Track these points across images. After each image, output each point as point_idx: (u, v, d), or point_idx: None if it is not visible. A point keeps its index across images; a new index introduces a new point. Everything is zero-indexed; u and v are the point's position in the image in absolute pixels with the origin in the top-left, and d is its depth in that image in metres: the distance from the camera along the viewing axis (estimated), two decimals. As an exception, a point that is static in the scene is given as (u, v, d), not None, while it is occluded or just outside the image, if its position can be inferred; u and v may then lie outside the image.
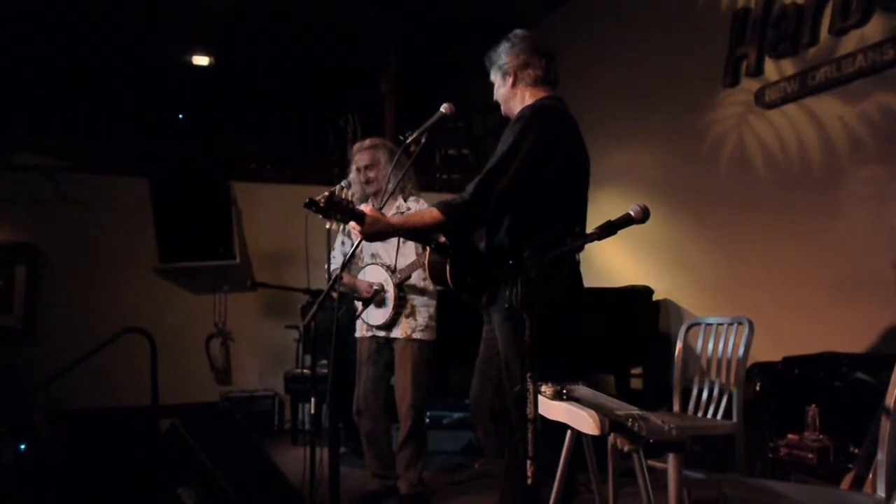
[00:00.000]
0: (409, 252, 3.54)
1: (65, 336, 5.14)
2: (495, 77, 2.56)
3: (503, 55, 2.52)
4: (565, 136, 2.40)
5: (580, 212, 2.45)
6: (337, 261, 3.69)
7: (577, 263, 2.51)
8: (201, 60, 7.48)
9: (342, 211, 2.17)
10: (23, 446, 3.38)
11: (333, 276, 2.77)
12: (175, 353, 5.13)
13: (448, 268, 2.51)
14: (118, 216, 5.53)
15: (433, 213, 2.28)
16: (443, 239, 2.44)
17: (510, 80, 2.51)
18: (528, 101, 2.48)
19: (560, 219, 2.35)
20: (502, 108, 2.58)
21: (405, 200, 3.58)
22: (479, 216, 2.30)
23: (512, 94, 2.52)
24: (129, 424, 3.92)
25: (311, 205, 2.12)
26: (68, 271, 5.44)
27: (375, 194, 3.58)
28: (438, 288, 3.55)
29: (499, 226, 2.37)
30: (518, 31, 2.56)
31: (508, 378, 2.34)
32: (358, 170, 3.54)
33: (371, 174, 3.51)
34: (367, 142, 3.62)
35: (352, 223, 2.25)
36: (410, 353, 3.51)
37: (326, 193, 2.13)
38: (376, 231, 2.27)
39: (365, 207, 2.26)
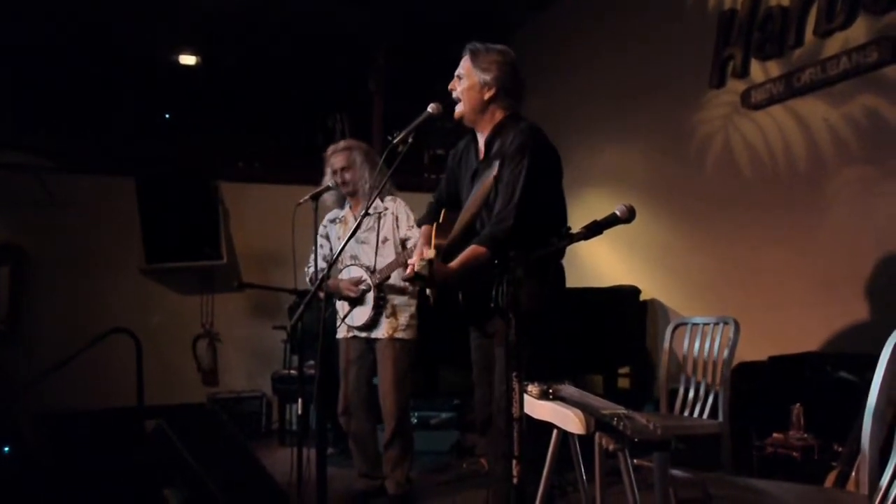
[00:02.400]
0: (388, 252, 3.54)
1: (50, 337, 5.10)
2: (471, 76, 2.50)
3: (493, 65, 2.48)
4: (555, 155, 2.52)
5: (564, 212, 2.54)
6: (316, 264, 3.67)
7: (561, 264, 2.54)
8: (188, 59, 7.43)
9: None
10: (7, 448, 3.35)
11: (320, 276, 2.76)
12: (161, 354, 5.11)
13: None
14: (104, 216, 5.50)
15: (480, 251, 2.33)
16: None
17: (488, 94, 2.48)
18: (497, 118, 2.51)
19: (550, 225, 2.40)
20: (463, 110, 2.52)
21: (381, 200, 3.59)
22: (515, 237, 2.35)
23: (483, 107, 2.50)
24: (114, 425, 3.90)
25: (420, 278, 2.28)
26: (54, 272, 5.40)
27: (353, 196, 3.59)
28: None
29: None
30: (508, 50, 2.53)
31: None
32: (334, 172, 3.55)
33: (347, 176, 3.52)
34: (342, 143, 3.64)
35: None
36: (392, 352, 3.50)
37: (425, 262, 2.28)
38: (442, 281, 2.34)
39: (423, 254, 2.39)
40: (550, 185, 2.49)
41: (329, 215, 3.75)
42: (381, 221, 3.56)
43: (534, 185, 2.37)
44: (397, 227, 3.56)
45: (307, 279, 3.68)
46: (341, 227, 3.67)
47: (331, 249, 3.70)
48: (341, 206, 3.71)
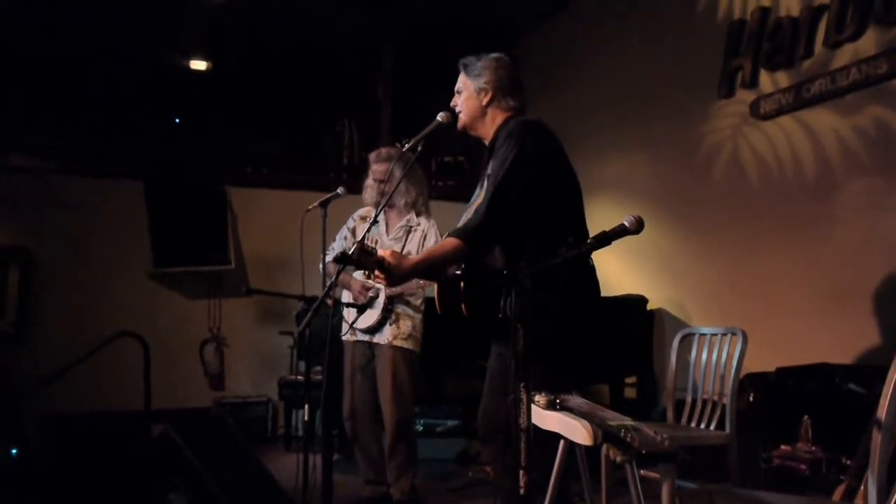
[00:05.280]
0: None
1: (57, 340, 5.11)
2: (467, 86, 2.50)
3: (485, 71, 2.48)
4: (555, 149, 2.45)
5: (578, 222, 2.47)
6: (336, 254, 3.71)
7: (592, 271, 2.50)
8: (199, 64, 7.47)
9: (369, 261, 2.18)
10: (14, 451, 3.35)
11: (328, 283, 2.76)
12: (169, 358, 5.12)
13: (462, 295, 2.45)
14: (112, 219, 5.52)
15: (452, 242, 2.25)
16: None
17: (485, 98, 2.47)
18: (499, 121, 2.48)
19: (559, 229, 2.35)
20: (464, 120, 2.50)
21: (417, 216, 3.62)
22: (495, 234, 2.29)
23: (482, 113, 2.49)
24: (121, 429, 3.90)
25: (344, 260, 2.16)
26: (61, 275, 5.42)
27: (389, 207, 3.64)
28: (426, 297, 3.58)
29: (513, 243, 2.33)
30: (501, 55, 2.53)
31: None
32: (375, 180, 3.61)
33: (385, 188, 3.55)
34: (384, 153, 3.66)
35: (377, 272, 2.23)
36: (391, 360, 3.51)
37: (357, 245, 2.17)
38: (399, 276, 2.24)
39: (384, 252, 2.22)
40: (548, 178, 2.37)
41: (361, 211, 3.79)
42: (410, 236, 3.59)
43: (522, 175, 2.27)
44: (423, 245, 3.58)
45: (321, 266, 3.68)
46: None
47: (353, 243, 3.70)
48: (377, 206, 3.71)
